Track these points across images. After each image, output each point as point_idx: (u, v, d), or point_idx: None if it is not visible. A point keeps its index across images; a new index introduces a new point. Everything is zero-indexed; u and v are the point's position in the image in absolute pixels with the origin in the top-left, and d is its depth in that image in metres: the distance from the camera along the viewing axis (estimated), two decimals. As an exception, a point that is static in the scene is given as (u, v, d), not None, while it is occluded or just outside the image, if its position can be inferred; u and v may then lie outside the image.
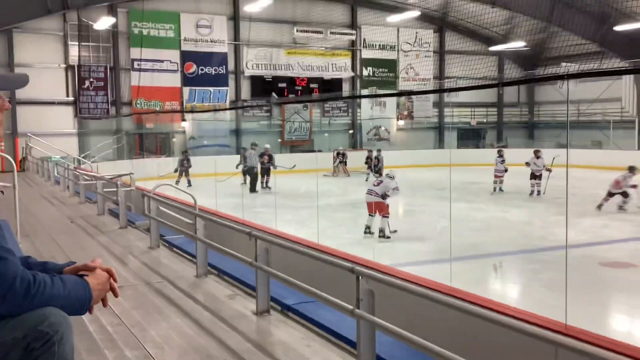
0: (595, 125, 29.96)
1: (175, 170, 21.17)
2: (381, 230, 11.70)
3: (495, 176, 18.94)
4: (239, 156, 22.04)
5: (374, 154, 24.03)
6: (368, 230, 11.94)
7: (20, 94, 22.68)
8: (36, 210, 11.11)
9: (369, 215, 12.00)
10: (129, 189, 11.17)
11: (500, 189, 18.74)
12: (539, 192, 17.70)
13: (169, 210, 8.40)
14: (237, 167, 21.06)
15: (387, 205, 11.92)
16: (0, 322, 1.73)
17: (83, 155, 22.62)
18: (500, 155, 19.18)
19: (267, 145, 21.14)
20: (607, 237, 12.07)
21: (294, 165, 22.06)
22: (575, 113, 30.09)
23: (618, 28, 25.71)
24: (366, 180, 23.06)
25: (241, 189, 19.25)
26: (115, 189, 9.97)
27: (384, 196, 11.90)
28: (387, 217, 11.78)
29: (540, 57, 32.52)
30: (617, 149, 27.92)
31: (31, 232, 8.63)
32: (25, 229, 8.62)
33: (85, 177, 12.68)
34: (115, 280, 2.04)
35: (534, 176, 17.74)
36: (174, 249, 7.45)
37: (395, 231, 11.83)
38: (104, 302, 2.02)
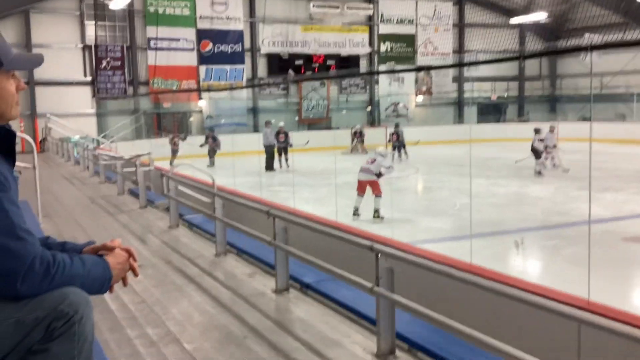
0: (619, 98, 29.36)
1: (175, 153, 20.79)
2: (376, 211, 11.34)
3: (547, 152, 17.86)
4: (253, 135, 21.99)
5: (399, 129, 23.10)
6: (357, 212, 11.44)
7: (39, 74, 22.90)
8: (57, 190, 11.25)
9: (358, 196, 11.56)
10: (147, 168, 11.24)
11: (554, 165, 17.61)
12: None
13: (188, 189, 8.44)
14: (201, 147, 20.92)
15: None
16: (20, 302, 1.74)
17: (102, 135, 22.80)
18: (552, 131, 18.12)
19: (282, 124, 21.02)
20: (629, 212, 11.89)
21: (308, 142, 21.97)
22: (599, 86, 29.49)
23: (643, -3, 25.01)
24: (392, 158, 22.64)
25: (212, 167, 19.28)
26: (134, 169, 10.04)
27: (379, 175, 11.55)
28: (381, 196, 11.43)
29: (562, 28, 31.79)
30: (642, 122, 27.38)
31: (52, 212, 8.75)
32: (47, 209, 8.73)
33: (105, 157, 12.79)
34: (134, 260, 2.04)
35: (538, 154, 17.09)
36: (194, 228, 7.50)
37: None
38: (124, 281, 2.02)
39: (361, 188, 11.62)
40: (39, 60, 1.97)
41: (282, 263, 4.75)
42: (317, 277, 4.95)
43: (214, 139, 21.31)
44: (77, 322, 1.75)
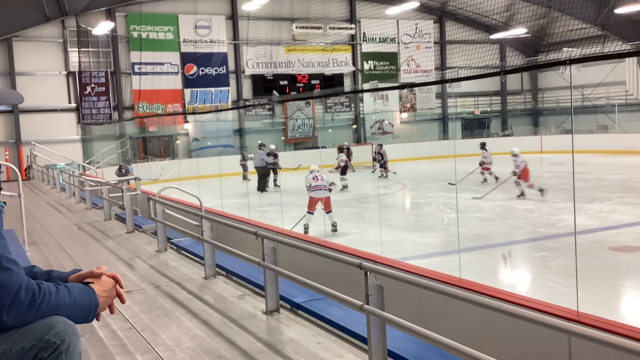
0: (600, 110, 29.81)
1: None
2: (334, 224, 11.95)
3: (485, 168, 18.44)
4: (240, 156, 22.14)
5: (381, 148, 23.63)
6: (307, 229, 11.82)
7: (23, 102, 22.76)
8: (43, 218, 11.14)
9: (310, 213, 12.01)
10: (134, 193, 11.18)
11: (496, 178, 18.10)
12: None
13: (175, 212, 8.40)
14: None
15: None
16: (7, 333, 1.72)
17: (87, 161, 22.66)
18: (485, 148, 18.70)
19: (273, 146, 21.16)
20: (615, 222, 12.00)
21: (299, 165, 21.96)
22: (580, 98, 29.93)
23: (619, 10, 25.52)
24: (373, 173, 22.98)
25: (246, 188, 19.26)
26: (120, 194, 9.98)
27: (330, 190, 12.21)
28: (332, 211, 12.08)
29: (541, 43, 32.34)
30: (623, 132, 27.77)
31: (38, 240, 8.64)
32: (33, 237, 8.64)
33: (91, 183, 12.70)
34: (121, 286, 2.03)
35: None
36: (182, 252, 7.45)
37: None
38: (111, 308, 2.01)
39: (314, 205, 12.05)
40: (20, 99, 2.05)
41: (271, 284, 4.73)
42: (307, 297, 4.93)
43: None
44: (64, 352, 1.73)
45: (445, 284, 4.84)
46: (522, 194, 15.16)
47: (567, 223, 11.55)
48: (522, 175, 15.22)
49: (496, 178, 17.91)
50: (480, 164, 18.28)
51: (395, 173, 22.33)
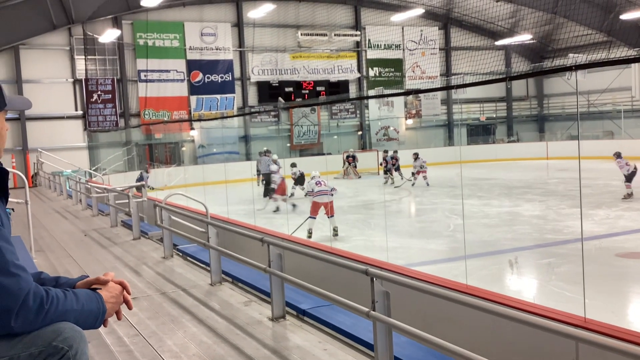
0: (606, 116, 29.72)
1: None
2: (335, 229, 12.16)
3: (419, 172, 20.98)
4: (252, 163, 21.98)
5: (390, 153, 23.37)
6: (311, 233, 12.04)
7: (30, 109, 22.85)
8: (49, 225, 11.18)
9: (312, 218, 12.21)
10: (140, 199, 11.21)
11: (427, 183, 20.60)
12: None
13: (181, 219, 8.41)
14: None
15: None
16: (15, 339, 1.73)
17: (94, 168, 22.75)
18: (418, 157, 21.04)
19: (275, 157, 21.14)
20: (622, 228, 11.94)
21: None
22: (585, 104, 29.86)
23: (625, 16, 25.50)
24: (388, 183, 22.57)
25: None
26: (127, 201, 10.00)
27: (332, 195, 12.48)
28: (334, 215, 12.33)
29: (547, 49, 32.32)
30: (629, 138, 27.66)
31: (45, 247, 8.68)
32: (39, 244, 8.67)
33: (97, 189, 12.74)
34: (128, 293, 2.04)
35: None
36: (188, 258, 7.46)
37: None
38: (118, 314, 2.02)
39: (317, 210, 12.26)
40: (28, 104, 2.12)
41: (277, 290, 4.73)
42: (313, 303, 4.92)
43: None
44: (71, 358, 1.74)
45: (452, 290, 4.82)
46: (277, 209, 16.17)
47: (573, 229, 11.50)
48: (279, 190, 16.40)
49: (427, 184, 20.48)
50: (418, 170, 20.91)
51: (410, 180, 21.92)
